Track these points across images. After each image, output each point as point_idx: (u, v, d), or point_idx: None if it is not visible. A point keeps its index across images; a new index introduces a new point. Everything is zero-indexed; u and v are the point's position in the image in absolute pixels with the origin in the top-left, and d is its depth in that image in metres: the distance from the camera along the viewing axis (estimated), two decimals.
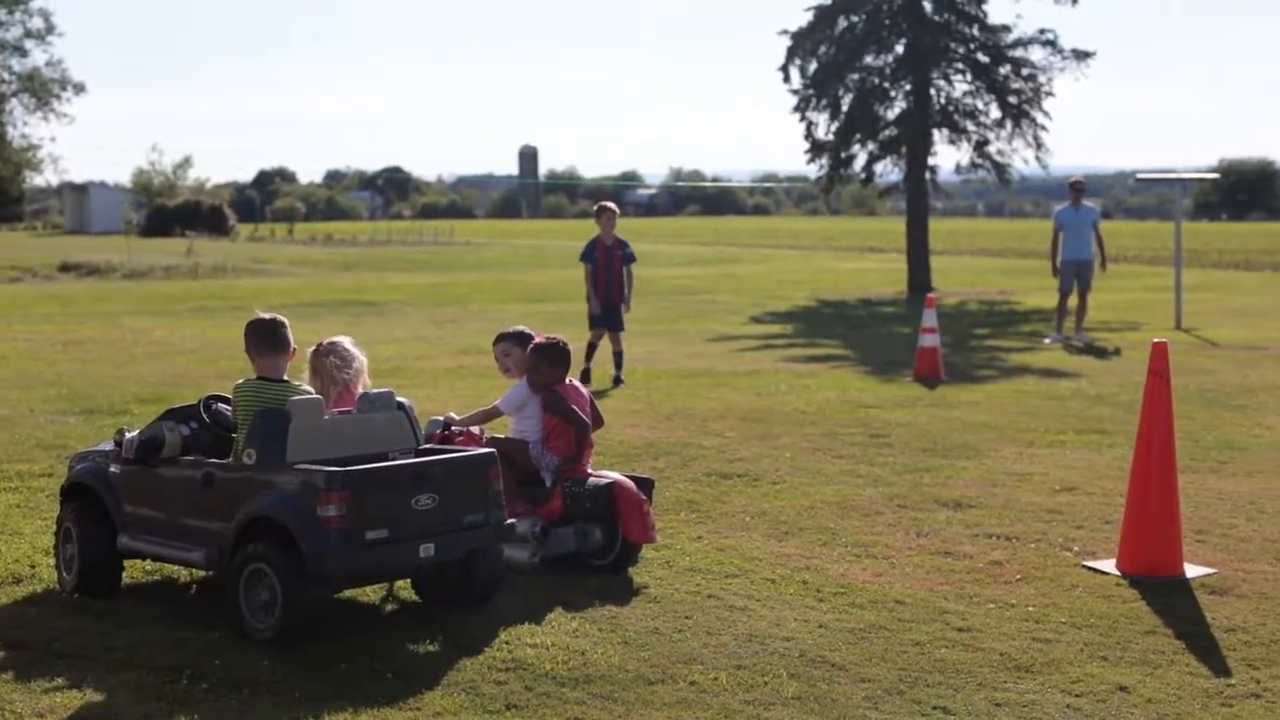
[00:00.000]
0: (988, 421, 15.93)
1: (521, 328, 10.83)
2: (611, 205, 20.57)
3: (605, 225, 19.88)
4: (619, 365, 19.61)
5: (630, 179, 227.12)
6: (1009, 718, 7.10)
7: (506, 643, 8.09)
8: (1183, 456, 13.36)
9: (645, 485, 10.04)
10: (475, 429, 10.24)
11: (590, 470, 10.14)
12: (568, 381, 10.30)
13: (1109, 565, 9.85)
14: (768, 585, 9.39)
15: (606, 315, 19.74)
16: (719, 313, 32.67)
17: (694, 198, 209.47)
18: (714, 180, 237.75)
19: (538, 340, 10.31)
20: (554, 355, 10.20)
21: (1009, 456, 13.88)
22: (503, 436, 10.26)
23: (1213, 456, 13.98)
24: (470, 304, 35.23)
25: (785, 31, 40.71)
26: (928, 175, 41.19)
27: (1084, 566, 9.90)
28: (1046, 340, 25.85)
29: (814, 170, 42.87)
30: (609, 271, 19.73)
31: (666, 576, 9.58)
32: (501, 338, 10.78)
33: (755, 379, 19.58)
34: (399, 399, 8.86)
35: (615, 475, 9.99)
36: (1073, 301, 26.15)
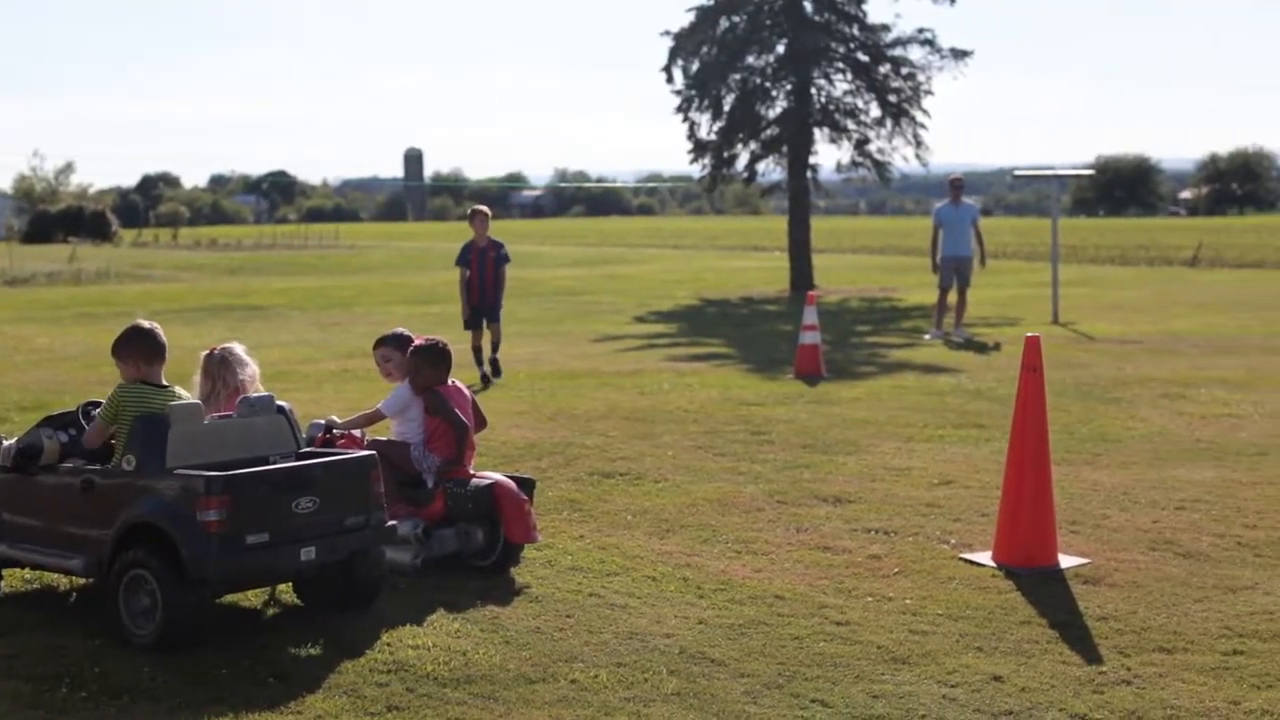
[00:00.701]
0: (867, 417, 16.07)
1: (401, 330, 10.83)
2: (484, 208, 20.73)
3: (479, 228, 20.10)
4: (495, 349, 19.95)
5: (516, 180, 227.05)
6: (886, 709, 7.20)
7: (388, 645, 8.11)
8: (1058, 449, 13.61)
9: (526, 486, 10.08)
10: (356, 432, 10.25)
11: (472, 471, 10.17)
12: (449, 383, 10.32)
13: (985, 557, 10.00)
14: (649, 583, 9.46)
15: (480, 314, 20.01)
16: (603, 313, 32.72)
17: (579, 198, 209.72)
18: (599, 181, 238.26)
19: (418, 342, 10.32)
20: (435, 356, 10.22)
21: (888, 452, 14.03)
22: (384, 439, 10.27)
23: (1088, 449, 14.18)
24: (355, 307, 35.10)
25: (667, 32, 40.84)
26: (809, 174, 41.39)
27: (961, 559, 10.04)
28: (926, 336, 26.09)
29: (697, 170, 43.00)
30: (483, 274, 20.00)
31: (548, 576, 9.63)
32: (381, 342, 10.78)
33: (639, 378, 19.65)
34: (279, 403, 8.85)
35: (496, 476, 10.02)
36: (952, 298, 26.38)
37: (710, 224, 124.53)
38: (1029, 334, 10.08)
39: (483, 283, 20.02)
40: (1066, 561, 9.89)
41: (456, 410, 10.16)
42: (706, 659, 7.90)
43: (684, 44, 40.55)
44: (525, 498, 9.84)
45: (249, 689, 7.42)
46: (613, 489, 12.38)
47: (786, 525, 11.06)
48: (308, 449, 9.09)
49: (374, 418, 10.36)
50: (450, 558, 9.74)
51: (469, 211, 20.85)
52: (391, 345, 10.63)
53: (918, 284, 40.19)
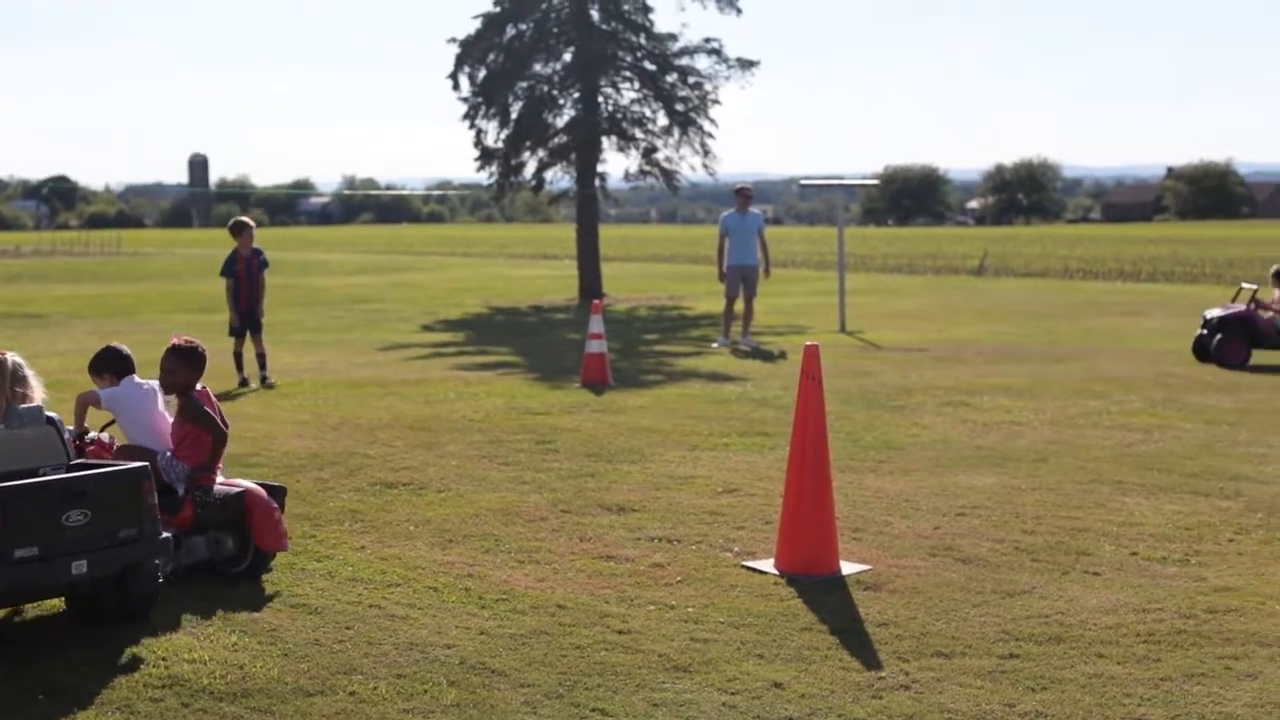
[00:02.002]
0: (653, 426, 16.10)
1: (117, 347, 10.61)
2: (249, 220, 21.08)
3: (246, 240, 20.43)
4: (264, 366, 20.08)
5: (303, 187, 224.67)
6: (666, 717, 7.19)
7: (163, 659, 7.95)
8: (842, 456, 13.75)
9: (277, 493, 9.96)
10: (105, 437, 10.09)
11: (221, 479, 10.02)
12: (199, 387, 10.16)
13: (768, 565, 10.04)
14: (430, 594, 9.38)
15: (247, 322, 20.28)
16: (391, 321, 32.48)
17: (368, 205, 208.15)
18: (388, 188, 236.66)
19: (175, 343, 10.17)
20: (192, 358, 10.08)
21: (673, 460, 14.05)
22: (132, 445, 10.07)
23: (871, 456, 14.32)
24: (138, 315, 34.53)
25: (454, 39, 40.67)
26: (597, 182, 41.42)
27: (743, 567, 10.07)
28: (714, 345, 26.19)
29: (485, 178, 42.84)
30: (250, 282, 20.33)
31: (328, 588, 9.51)
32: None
33: (424, 387, 19.51)
34: (49, 414, 8.66)
35: (247, 484, 9.90)
36: (739, 306, 26.55)
37: (500, 232, 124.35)
38: (808, 343, 10.15)
39: (251, 290, 20.30)
40: (848, 568, 9.96)
41: (214, 416, 10.02)
42: (487, 669, 7.84)
43: (470, 51, 40.39)
44: (275, 505, 9.73)
45: (21, 706, 7.24)
46: (395, 499, 12.27)
47: (570, 534, 11.03)
48: (79, 460, 8.89)
49: (90, 399, 10.22)
50: (201, 566, 9.59)
51: (232, 223, 21.03)
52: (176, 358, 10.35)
53: (706, 292, 40.37)
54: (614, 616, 8.84)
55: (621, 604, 9.15)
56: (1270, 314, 22.50)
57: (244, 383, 19.65)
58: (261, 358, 20.15)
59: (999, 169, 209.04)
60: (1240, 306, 22.84)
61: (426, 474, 13.28)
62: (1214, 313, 22.99)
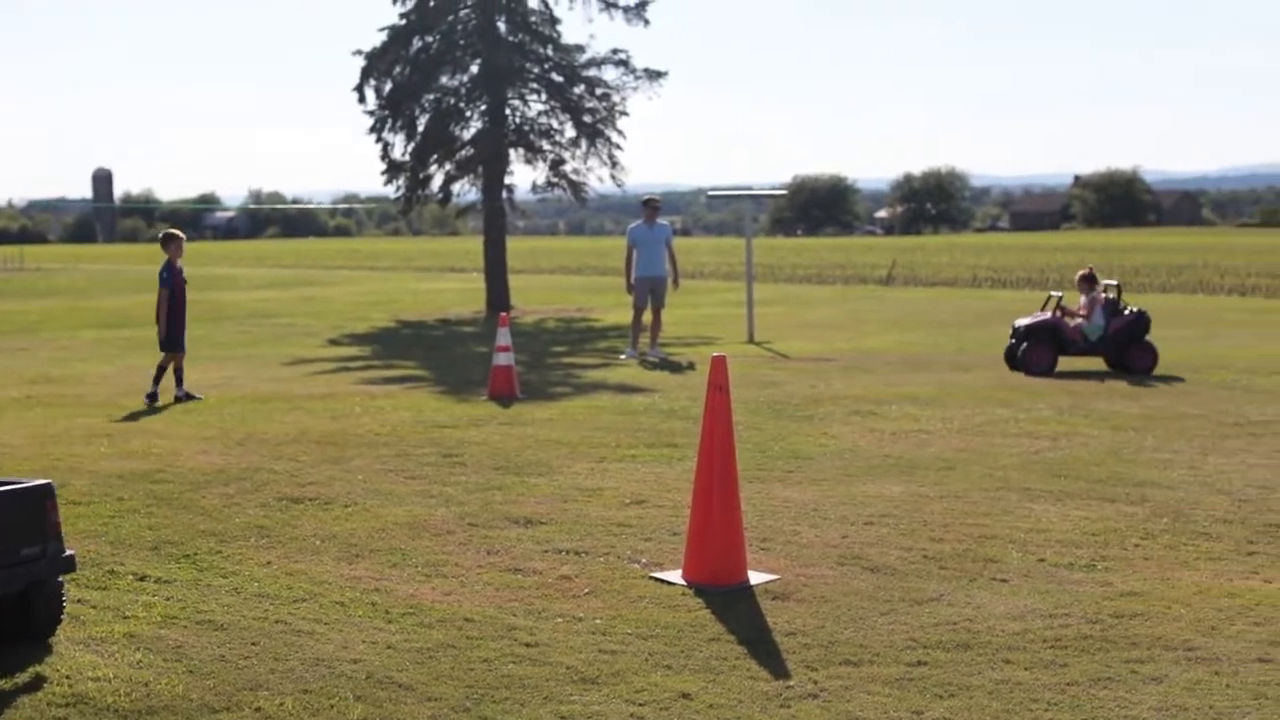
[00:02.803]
0: (561, 438, 16.05)
1: None
2: (180, 232, 20.89)
3: (178, 251, 20.24)
4: (182, 382, 19.95)
5: (208, 201, 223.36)
6: None
7: (67, 677, 7.84)
8: (751, 466, 13.76)
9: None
10: None
11: None
12: None
13: (676, 576, 10.01)
14: (337, 608, 9.30)
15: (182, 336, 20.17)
16: (297, 336, 32.31)
17: (274, 219, 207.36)
18: (294, 201, 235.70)
19: None
20: None
21: (581, 472, 14.01)
22: None
23: (780, 466, 14.32)
24: (41, 332, 34.14)
25: (360, 52, 40.51)
26: (505, 194, 41.38)
27: (651, 578, 10.05)
28: (622, 356, 26.17)
29: (392, 191, 42.69)
30: (183, 295, 20.26)
31: (234, 604, 9.42)
32: None
33: (330, 402, 19.40)
34: None
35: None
36: (647, 317, 26.55)
37: (408, 245, 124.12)
38: (715, 354, 10.14)
39: (183, 304, 20.25)
40: (756, 578, 9.95)
41: None
42: (394, 684, 7.78)
43: (376, 64, 40.26)
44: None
45: None
46: (302, 514, 12.17)
47: (477, 548, 10.97)
48: None
49: None
50: None
51: (165, 235, 20.66)
52: None
53: (615, 304, 40.40)
54: (521, 629, 8.80)
55: (529, 616, 9.10)
56: (1076, 321, 22.83)
57: (186, 397, 19.65)
58: (180, 372, 20.00)
59: (907, 178, 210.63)
60: (1047, 315, 23.14)
61: (333, 488, 13.19)
62: (1023, 321, 23.31)
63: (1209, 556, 10.72)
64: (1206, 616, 9.07)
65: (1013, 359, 22.95)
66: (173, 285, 20.01)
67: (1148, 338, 22.62)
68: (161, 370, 19.77)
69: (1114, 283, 23.84)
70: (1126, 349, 22.46)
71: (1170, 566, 10.43)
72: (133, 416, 17.92)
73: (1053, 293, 24.39)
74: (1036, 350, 22.37)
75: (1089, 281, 23.23)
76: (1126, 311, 22.88)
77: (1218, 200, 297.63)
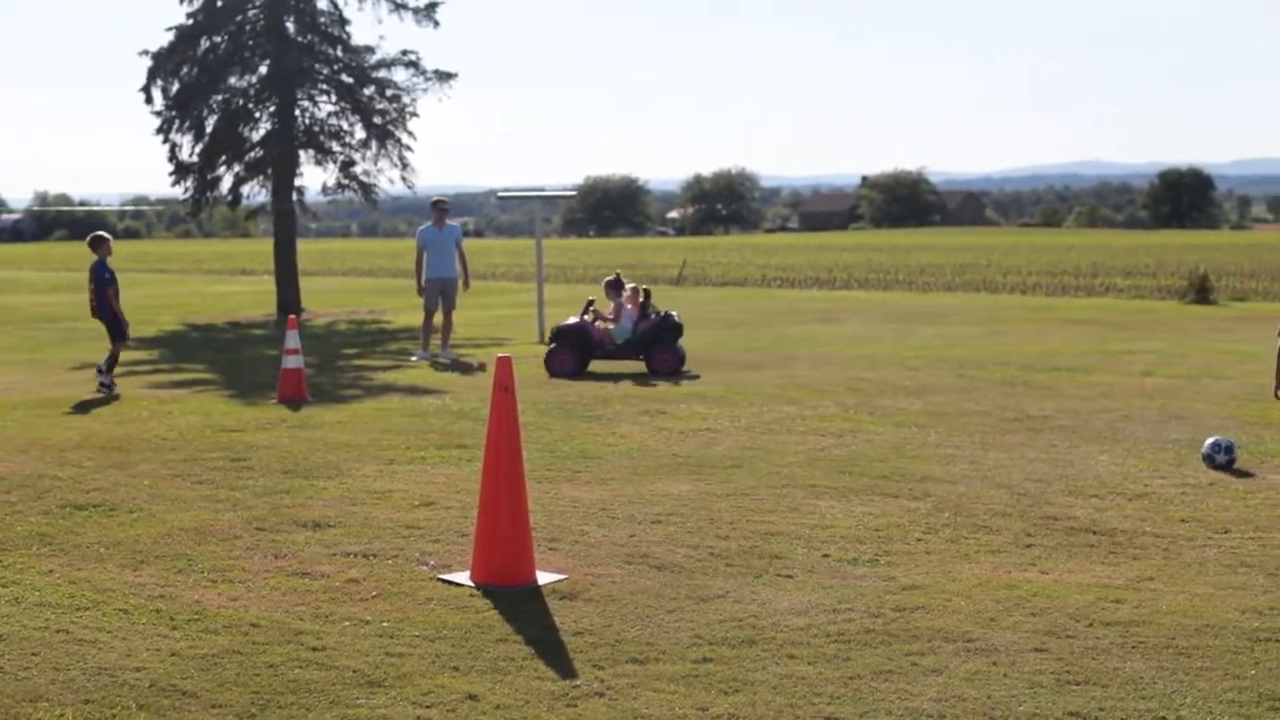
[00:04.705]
0: (350, 441, 15.99)
1: None
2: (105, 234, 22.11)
3: (107, 251, 21.47)
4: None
5: None
6: None
7: None
8: (539, 466, 13.82)
9: None
10: None
11: None
12: None
13: (464, 577, 10.03)
14: (120, 616, 9.19)
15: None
16: (84, 340, 31.71)
17: (61, 222, 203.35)
18: (82, 204, 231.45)
19: None
20: None
21: (370, 475, 13.97)
22: None
23: (568, 466, 14.38)
24: None
25: (146, 52, 39.89)
26: (295, 196, 40.98)
27: (439, 580, 10.05)
28: (413, 358, 26.07)
29: (181, 193, 42.07)
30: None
31: (14, 613, 9.27)
32: None
33: (117, 406, 19.15)
34: None
35: None
36: (438, 319, 26.51)
37: (198, 247, 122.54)
38: (500, 354, 10.17)
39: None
40: (544, 578, 10.00)
41: None
42: (178, 691, 7.71)
43: (163, 64, 39.64)
44: None
45: None
46: (85, 521, 12.01)
47: (265, 552, 10.90)
48: None
49: None
50: None
51: (94, 237, 21.86)
52: None
53: (407, 306, 40.20)
54: (308, 634, 8.76)
55: (316, 621, 9.07)
56: (605, 324, 23.28)
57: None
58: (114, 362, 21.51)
59: (698, 179, 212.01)
60: (577, 319, 23.56)
61: (118, 494, 13.03)
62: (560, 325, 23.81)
63: (989, 549, 10.95)
64: (985, 608, 9.28)
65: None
66: (111, 280, 21.41)
67: (680, 341, 23.30)
68: (113, 360, 21.43)
69: (645, 288, 24.36)
70: (652, 350, 22.94)
71: (951, 560, 10.64)
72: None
73: (589, 297, 24.89)
74: (560, 353, 22.80)
75: (615, 287, 23.85)
76: (653, 315, 23.34)
77: (1000, 201, 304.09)
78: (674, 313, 23.77)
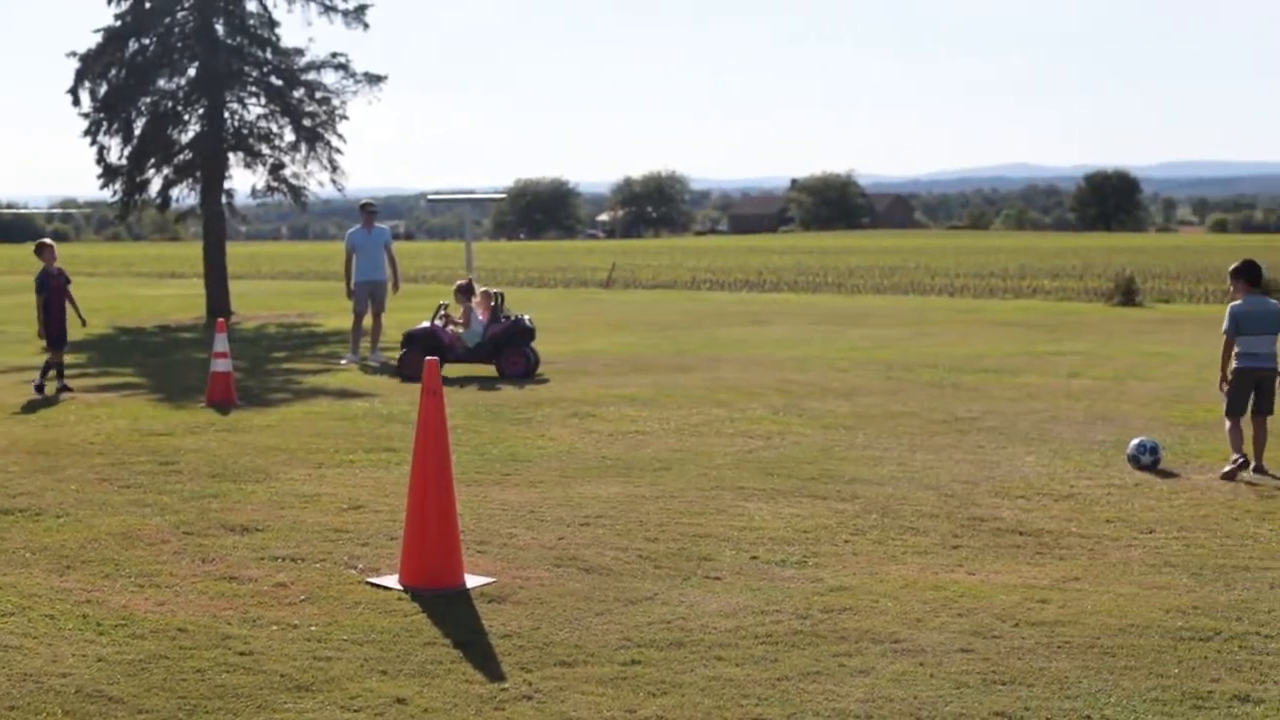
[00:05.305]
0: (279, 444, 15.95)
1: None
2: (49, 240, 23.02)
3: (51, 258, 22.31)
4: (62, 375, 21.88)
5: None
6: None
7: None
8: (469, 470, 13.83)
9: None
10: None
11: None
12: None
13: (392, 580, 10.03)
14: (46, 621, 9.15)
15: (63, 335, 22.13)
16: (9, 343, 31.56)
17: None
18: (9, 206, 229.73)
19: None
20: None
21: (298, 478, 13.94)
22: None
23: (497, 469, 14.39)
24: None
25: (74, 54, 39.65)
26: (224, 199, 40.79)
27: (368, 583, 10.05)
28: (342, 361, 25.99)
29: (109, 195, 41.78)
30: (61, 297, 22.25)
31: None
32: None
33: (43, 410, 19.05)
34: None
35: None
36: (367, 322, 26.47)
37: (128, 250, 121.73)
38: (429, 358, 10.18)
39: (62, 305, 22.17)
40: (472, 581, 10.01)
41: None
42: (104, 697, 7.68)
43: (91, 66, 39.38)
44: None
45: None
46: (11, 526, 11.94)
47: (192, 556, 10.87)
48: None
49: None
50: None
51: (39, 244, 22.77)
52: None
53: (336, 309, 40.03)
54: (236, 638, 8.74)
55: (244, 625, 9.05)
56: (456, 328, 23.40)
57: (66, 389, 21.39)
58: (61, 367, 22.00)
59: (628, 182, 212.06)
60: (428, 324, 23.67)
61: (44, 499, 12.96)
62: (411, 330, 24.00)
63: (916, 551, 11.03)
64: (912, 609, 9.34)
65: (397, 369, 23.51)
66: (49, 289, 21.96)
67: (533, 344, 23.51)
68: (49, 366, 21.73)
69: (498, 291, 24.48)
70: (503, 354, 23.11)
71: (879, 561, 10.70)
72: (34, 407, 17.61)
73: (442, 301, 24.99)
74: (411, 356, 22.84)
75: (465, 292, 23.92)
76: (505, 319, 23.45)
77: (929, 204, 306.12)
78: (526, 316, 23.84)
